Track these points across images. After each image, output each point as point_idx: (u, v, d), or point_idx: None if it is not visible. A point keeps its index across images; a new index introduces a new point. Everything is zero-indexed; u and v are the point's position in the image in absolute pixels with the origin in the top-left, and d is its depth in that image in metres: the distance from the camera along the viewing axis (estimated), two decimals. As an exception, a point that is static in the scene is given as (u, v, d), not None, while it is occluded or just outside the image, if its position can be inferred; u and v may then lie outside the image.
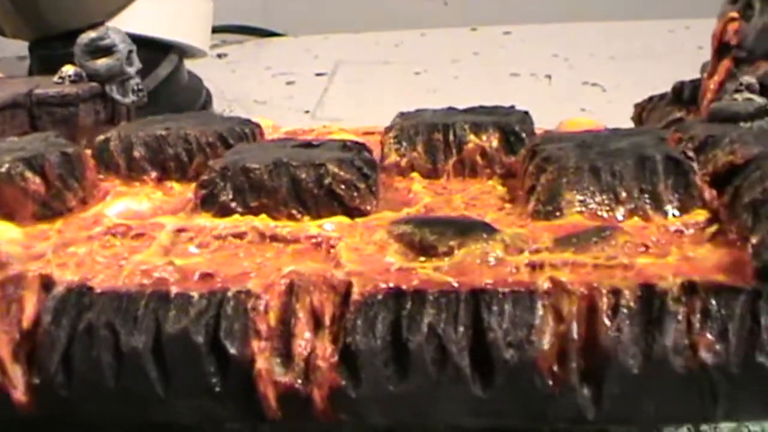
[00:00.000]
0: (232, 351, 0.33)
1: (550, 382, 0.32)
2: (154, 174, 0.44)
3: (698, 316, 0.32)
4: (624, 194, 0.37)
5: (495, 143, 0.43)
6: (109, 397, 0.33)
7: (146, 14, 0.72)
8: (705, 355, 0.31)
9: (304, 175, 0.38)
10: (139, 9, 0.71)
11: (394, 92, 0.80)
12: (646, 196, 0.37)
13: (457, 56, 0.97)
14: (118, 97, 0.49)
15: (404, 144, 0.43)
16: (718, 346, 0.31)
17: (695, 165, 0.38)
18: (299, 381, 0.33)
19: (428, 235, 0.34)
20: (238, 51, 0.92)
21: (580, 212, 0.37)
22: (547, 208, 0.37)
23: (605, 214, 0.37)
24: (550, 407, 0.32)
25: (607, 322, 0.32)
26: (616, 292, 0.32)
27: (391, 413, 0.32)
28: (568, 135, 0.42)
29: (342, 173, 0.38)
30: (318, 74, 0.86)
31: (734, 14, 0.48)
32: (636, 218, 0.37)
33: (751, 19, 0.47)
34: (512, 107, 0.48)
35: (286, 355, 0.33)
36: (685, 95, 0.50)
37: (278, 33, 0.99)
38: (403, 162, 0.43)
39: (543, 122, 0.47)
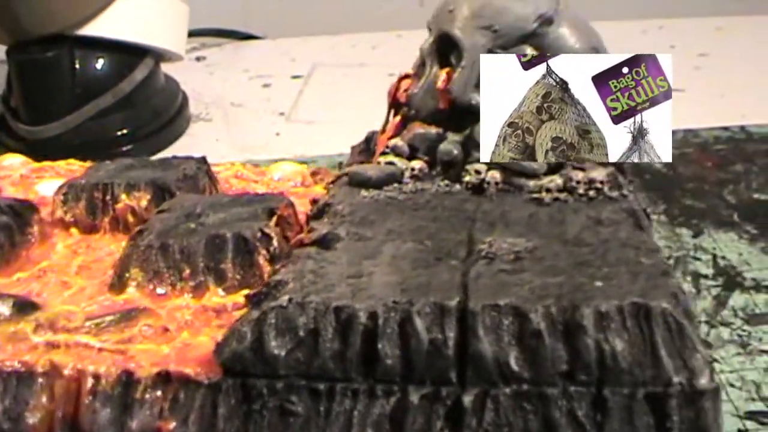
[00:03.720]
0: None
1: (41, 455, 0.36)
2: None
3: (168, 403, 0.36)
4: (188, 271, 0.41)
5: (144, 202, 0.47)
6: None
7: (121, 19, 0.75)
8: (166, 440, 0.36)
9: None
10: (114, 14, 0.74)
11: (370, 94, 0.81)
12: (212, 274, 0.41)
13: (433, 57, 0.97)
14: None
15: (70, 200, 0.47)
16: (179, 433, 0.36)
17: (261, 244, 0.41)
18: None
19: (-20, 312, 0.39)
20: (216, 54, 0.95)
21: (141, 288, 0.41)
22: (117, 281, 0.41)
23: (164, 291, 0.41)
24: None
25: (87, 403, 0.36)
26: (97, 377, 0.36)
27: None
28: (192, 201, 0.45)
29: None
30: (294, 77, 0.88)
31: (409, 71, 0.50)
32: (188, 296, 0.40)
33: (421, 78, 0.49)
34: (203, 158, 0.51)
35: None
36: (372, 145, 0.52)
37: (256, 36, 1.01)
38: (68, 217, 0.47)
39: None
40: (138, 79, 0.75)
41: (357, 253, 0.39)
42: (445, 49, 0.49)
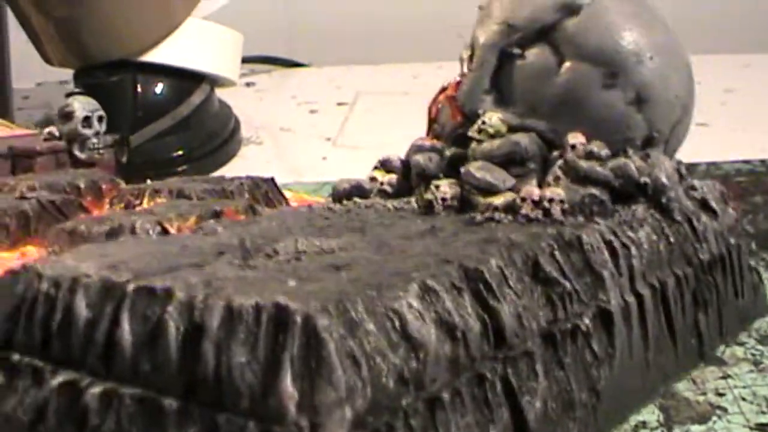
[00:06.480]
0: None
1: None
2: None
3: None
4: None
5: (161, 207, 0.46)
6: None
7: (181, 47, 0.77)
8: None
9: None
10: (175, 42, 0.76)
11: (411, 121, 0.82)
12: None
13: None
14: (76, 152, 0.60)
15: (116, 202, 0.49)
16: None
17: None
18: None
19: None
20: (265, 80, 0.96)
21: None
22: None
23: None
24: None
25: None
26: None
27: None
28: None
29: None
30: (339, 103, 0.88)
31: (445, 84, 0.42)
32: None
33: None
34: (270, 179, 0.49)
35: None
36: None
37: (303, 64, 1.00)
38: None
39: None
40: (195, 103, 0.76)
41: (170, 242, 0.34)
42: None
